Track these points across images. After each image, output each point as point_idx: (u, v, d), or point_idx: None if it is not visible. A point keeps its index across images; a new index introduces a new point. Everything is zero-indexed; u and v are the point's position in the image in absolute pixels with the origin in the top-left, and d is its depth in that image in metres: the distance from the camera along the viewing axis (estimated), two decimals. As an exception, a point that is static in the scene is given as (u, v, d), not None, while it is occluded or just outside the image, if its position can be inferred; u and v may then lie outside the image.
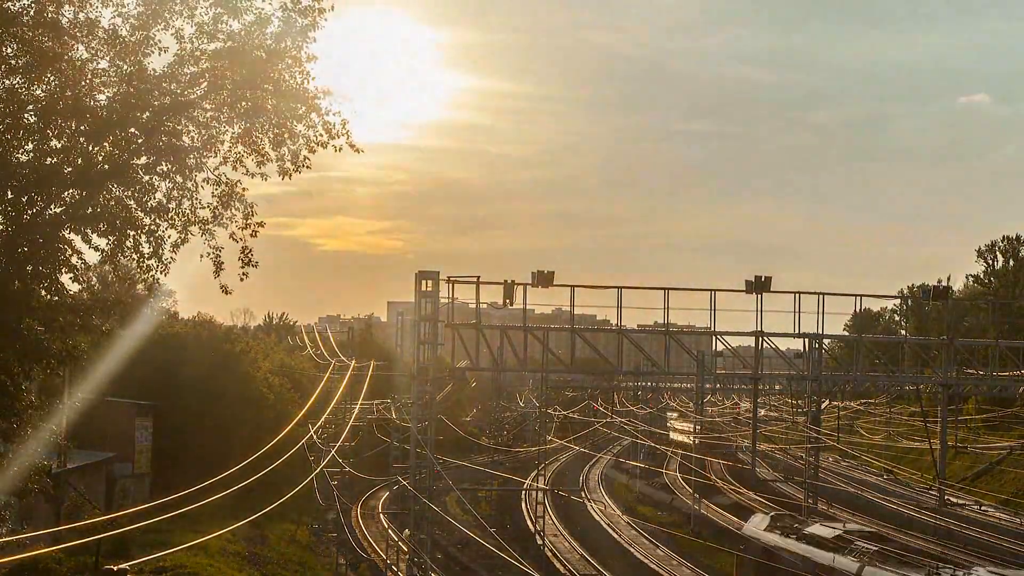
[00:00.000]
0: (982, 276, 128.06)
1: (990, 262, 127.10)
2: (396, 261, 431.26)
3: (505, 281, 40.54)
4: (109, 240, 27.72)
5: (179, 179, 28.14)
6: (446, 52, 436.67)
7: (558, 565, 56.95)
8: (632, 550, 62.13)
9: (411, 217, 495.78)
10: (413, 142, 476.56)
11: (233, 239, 28.22)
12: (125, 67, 27.21)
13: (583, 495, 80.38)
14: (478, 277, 40.32)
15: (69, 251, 27.83)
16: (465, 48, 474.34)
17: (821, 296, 45.91)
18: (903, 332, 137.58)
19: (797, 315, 45.41)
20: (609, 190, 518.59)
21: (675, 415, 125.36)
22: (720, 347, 49.33)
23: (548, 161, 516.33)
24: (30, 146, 27.27)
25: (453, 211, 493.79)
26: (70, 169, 27.40)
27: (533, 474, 72.52)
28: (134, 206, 27.87)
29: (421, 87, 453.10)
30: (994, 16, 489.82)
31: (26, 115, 26.92)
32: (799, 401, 65.43)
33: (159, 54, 27.29)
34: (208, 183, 28.27)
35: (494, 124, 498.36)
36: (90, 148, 27.46)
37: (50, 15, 26.20)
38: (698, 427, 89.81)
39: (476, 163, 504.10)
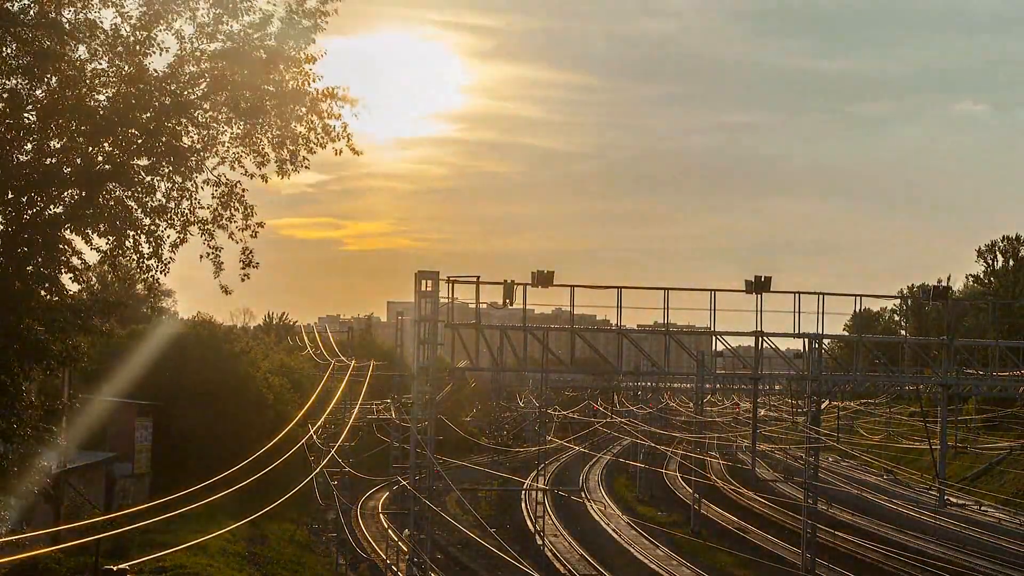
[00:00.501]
0: (982, 276, 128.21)
1: (990, 262, 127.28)
2: (415, 261, 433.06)
3: (505, 281, 40.46)
4: (109, 240, 27.73)
5: (179, 180, 28.15)
6: (483, 41, 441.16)
7: (558, 565, 56.89)
8: (632, 550, 62.09)
9: (440, 218, 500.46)
10: (455, 135, 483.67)
11: (232, 240, 28.25)
12: (125, 67, 27.20)
13: (583, 495, 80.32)
14: (478, 277, 40.25)
15: (69, 251, 27.85)
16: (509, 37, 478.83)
17: (821, 296, 45.80)
18: (903, 332, 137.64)
19: (797, 315, 45.27)
20: (612, 189, 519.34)
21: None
22: (720, 347, 49.23)
23: (580, 157, 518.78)
24: (30, 146, 27.27)
25: (468, 212, 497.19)
26: (70, 169, 27.40)
27: (533, 474, 72.46)
28: (134, 206, 27.87)
29: (462, 78, 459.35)
30: (992, 27, 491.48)
31: (26, 115, 26.91)
32: (799, 401, 65.37)
33: (160, 54, 27.33)
34: (208, 184, 28.31)
35: (538, 116, 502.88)
36: (90, 148, 27.44)
37: (51, 15, 26.19)
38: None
39: (514, 156, 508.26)
